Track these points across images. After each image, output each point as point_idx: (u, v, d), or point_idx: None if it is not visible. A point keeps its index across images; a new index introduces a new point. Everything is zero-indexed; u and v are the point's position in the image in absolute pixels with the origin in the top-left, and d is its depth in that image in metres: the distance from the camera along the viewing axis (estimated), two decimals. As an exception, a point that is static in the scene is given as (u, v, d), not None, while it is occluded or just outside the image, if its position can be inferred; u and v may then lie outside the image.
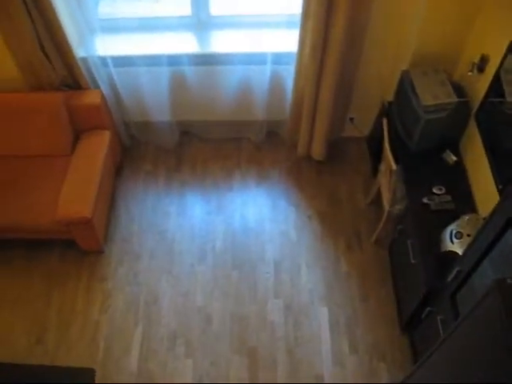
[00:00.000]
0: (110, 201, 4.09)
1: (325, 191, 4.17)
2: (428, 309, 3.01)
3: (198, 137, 4.52)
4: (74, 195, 3.59)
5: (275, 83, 3.95)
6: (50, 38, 3.52)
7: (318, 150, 4.15)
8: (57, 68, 3.68)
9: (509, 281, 1.68)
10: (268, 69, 3.80)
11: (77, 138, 3.94)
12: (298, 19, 3.42)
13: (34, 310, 3.68)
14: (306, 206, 4.09)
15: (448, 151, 3.39)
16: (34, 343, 3.54)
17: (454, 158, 3.36)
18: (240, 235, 3.95)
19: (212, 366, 3.40)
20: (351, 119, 4.26)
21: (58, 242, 3.95)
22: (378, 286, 3.68)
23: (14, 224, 3.63)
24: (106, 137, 3.92)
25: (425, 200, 3.20)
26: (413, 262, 3.13)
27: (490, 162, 3.00)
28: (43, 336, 3.56)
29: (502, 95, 2.89)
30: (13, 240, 3.92)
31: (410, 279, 3.25)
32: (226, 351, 3.46)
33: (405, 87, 3.37)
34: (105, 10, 3.86)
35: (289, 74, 3.83)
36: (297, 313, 3.59)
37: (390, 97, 3.72)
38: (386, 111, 3.72)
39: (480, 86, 3.16)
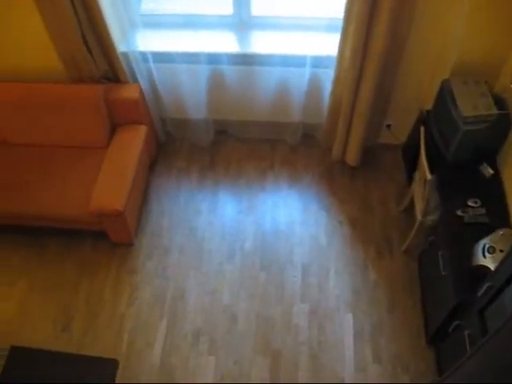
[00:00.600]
0: (142, 195, 4.14)
1: (357, 197, 4.14)
2: (455, 322, 2.97)
3: (233, 136, 4.53)
4: (108, 188, 3.63)
5: (313, 86, 3.93)
6: (93, 33, 3.57)
7: (352, 156, 4.12)
8: (98, 62, 3.73)
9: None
10: (307, 71, 3.79)
11: (113, 131, 4.00)
12: (339, 23, 3.40)
13: (62, 297, 3.74)
14: (337, 210, 4.07)
15: (485, 164, 3.33)
16: (60, 330, 3.60)
17: (491, 171, 3.30)
18: (269, 236, 3.95)
19: (234, 365, 3.40)
20: (388, 126, 4.22)
21: (90, 232, 4.00)
22: (405, 295, 3.64)
23: (48, 213, 3.69)
24: (142, 131, 3.96)
25: (459, 212, 3.15)
26: (443, 274, 3.09)
27: (528, 177, 2.95)
28: (70, 324, 3.62)
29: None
30: (48, 228, 3.99)
31: (439, 291, 3.21)
32: (249, 351, 3.46)
33: (444, 96, 3.32)
34: (147, 6, 3.91)
35: (327, 77, 3.81)
36: (322, 317, 3.58)
37: (429, 105, 3.67)
38: (424, 119, 3.67)
39: (522, 99, 3.11)
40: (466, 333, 2.78)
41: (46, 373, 2.86)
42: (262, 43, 3.82)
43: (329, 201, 4.12)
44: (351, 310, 3.60)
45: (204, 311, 3.63)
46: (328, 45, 3.65)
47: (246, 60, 3.85)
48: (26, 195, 3.72)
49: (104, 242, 3.97)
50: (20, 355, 2.93)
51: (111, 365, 2.88)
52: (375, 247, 3.87)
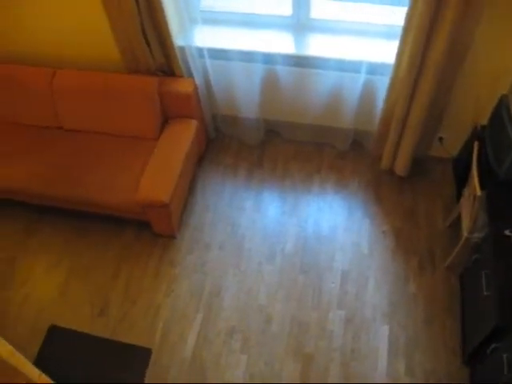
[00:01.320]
0: (188, 189, 4.17)
1: (403, 208, 4.07)
2: (494, 345, 2.89)
3: (283, 137, 4.53)
4: (155, 179, 3.68)
5: (367, 93, 3.89)
6: (153, 25, 3.62)
7: (401, 166, 4.06)
8: (155, 54, 3.78)
9: None
10: (361, 78, 3.75)
11: (165, 123, 4.05)
12: (398, 31, 3.36)
13: (102, 282, 3.81)
14: (381, 220, 4.02)
15: (538, 184, 3.25)
16: (97, 314, 3.66)
17: (544, 192, 3.21)
18: (311, 240, 3.93)
19: (265, 366, 3.40)
20: (440, 139, 4.14)
21: (134, 221, 4.07)
22: (444, 312, 3.57)
23: (95, 199, 3.76)
24: (192, 126, 3.99)
25: (507, 232, 3.06)
26: (485, 294, 3.01)
27: None
28: (107, 309, 3.68)
29: None
30: (93, 213, 4.07)
31: (480, 311, 3.13)
32: (282, 353, 3.45)
33: (501, 112, 3.24)
34: (207, 3, 3.94)
35: (382, 85, 3.77)
36: (357, 326, 3.54)
37: (484, 120, 3.59)
38: (478, 135, 3.59)
39: None
40: (505, 356, 2.71)
41: (81, 354, 2.92)
42: (319, 46, 3.80)
43: (374, 209, 4.07)
44: (387, 321, 3.55)
45: (239, 309, 3.64)
46: (385, 52, 3.61)
47: (301, 62, 3.84)
48: (76, 180, 3.81)
49: (147, 232, 4.03)
50: (57, 335, 3.01)
51: (144, 353, 2.92)
52: (417, 260, 3.80)
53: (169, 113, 4.02)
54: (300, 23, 3.83)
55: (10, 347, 2.08)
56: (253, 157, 4.44)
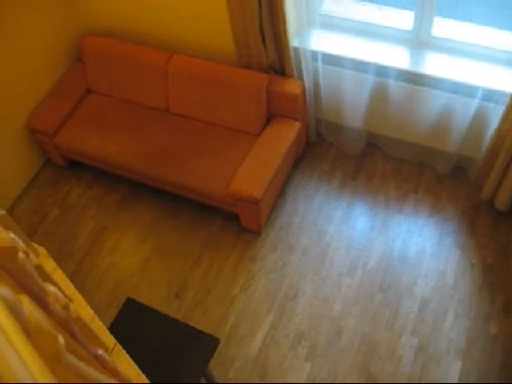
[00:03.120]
0: (280, 189, 4.20)
1: (497, 243, 3.90)
2: None
3: (383, 152, 4.45)
4: (251, 174, 3.73)
5: (478, 119, 3.75)
6: (271, 22, 3.65)
7: (503, 199, 3.89)
8: (269, 52, 3.82)
9: None
10: (475, 103, 3.61)
11: (268, 121, 4.08)
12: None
13: (182, 265, 3.91)
14: (472, 252, 3.86)
15: None
16: (173, 296, 3.77)
17: None
18: (395, 261, 3.84)
19: (328, 377, 3.37)
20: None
21: (223, 212, 4.14)
22: (524, 359, 3.40)
23: (191, 183, 3.86)
24: (295, 127, 4.00)
25: None
26: None
27: None
28: (183, 293, 3.78)
29: None
30: (184, 197, 4.17)
31: None
32: (346, 368, 3.41)
33: None
34: (328, 7, 3.93)
35: (495, 113, 3.61)
36: (429, 356, 3.43)
37: None
38: None
39: None
40: None
41: (151, 330, 3.01)
42: (435, 65, 3.70)
43: (466, 240, 3.92)
44: (461, 357, 3.41)
45: (312, 317, 3.63)
46: (503, 80, 3.47)
47: (414, 79, 3.76)
48: (176, 162, 3.92)
49: (233, 224, 4.09)
50: (133, 308, 3.11)
51: (212, 342, 2.96)
52: (504, 300, 3.63)
53: (274, 111, 4.05)
54: (419, 39, 3.74)
55: (92, 312, 2.17)
56: (350, 167, 4.39)
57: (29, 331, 1.01)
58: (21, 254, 1.27)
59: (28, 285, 1.26)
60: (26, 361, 0.89)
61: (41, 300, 1.29)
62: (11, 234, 1.40)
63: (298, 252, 3.94)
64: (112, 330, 3.01)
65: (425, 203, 4.14)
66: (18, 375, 0.83)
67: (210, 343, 2.96)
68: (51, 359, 1.06)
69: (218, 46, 4.06)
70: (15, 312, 0.99)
